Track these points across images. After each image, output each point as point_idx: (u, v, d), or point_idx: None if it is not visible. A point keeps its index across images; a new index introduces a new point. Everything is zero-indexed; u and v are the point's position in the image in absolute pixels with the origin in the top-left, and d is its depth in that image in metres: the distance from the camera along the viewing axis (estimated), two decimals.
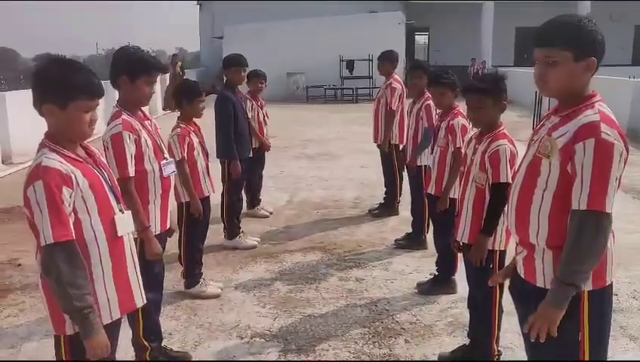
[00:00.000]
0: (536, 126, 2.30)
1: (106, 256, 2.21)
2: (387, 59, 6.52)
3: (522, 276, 2.25)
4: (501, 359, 3.36)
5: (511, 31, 25.86)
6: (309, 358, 3.56)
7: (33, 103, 2.16)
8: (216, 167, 5.10)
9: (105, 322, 2.21)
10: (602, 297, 2.11)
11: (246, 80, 6.02)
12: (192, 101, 4.25)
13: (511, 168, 3.09)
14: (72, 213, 2.11)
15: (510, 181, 3.06)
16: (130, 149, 3.00)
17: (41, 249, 2.07)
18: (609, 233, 2.01)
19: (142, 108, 3.21)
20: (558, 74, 2.06)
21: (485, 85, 3.26)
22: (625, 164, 2.02)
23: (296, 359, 3.55)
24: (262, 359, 3.57)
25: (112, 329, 2.32)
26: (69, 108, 2.13)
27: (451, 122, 4.26)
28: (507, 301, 2.58)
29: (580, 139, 1.97)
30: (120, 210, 2.30)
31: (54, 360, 2.28)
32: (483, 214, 3.18)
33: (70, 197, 2.09)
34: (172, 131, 4.26)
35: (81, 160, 2.20)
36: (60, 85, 2.12)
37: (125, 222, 2.32)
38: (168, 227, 3.35)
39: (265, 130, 6.59)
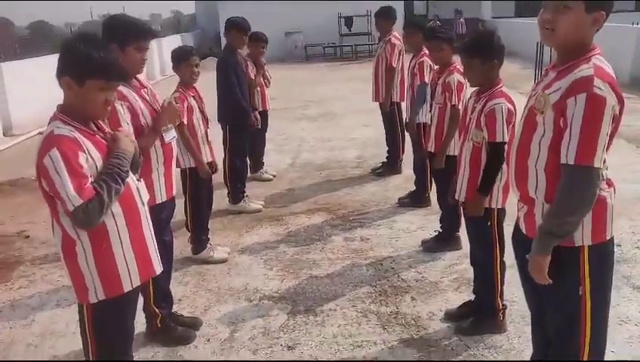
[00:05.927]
0: (538, 79, 2.28)
1: (122, 226, 2.25)
2: (384, 16, 6.42)
3: (524, 231, 2.28)
4: (506, 311, 3.40)
5: None
6: (317, 318, 3.62)
7: (56, 73, 2.18)
8: (216, 133, 5.08)
9: (126, 289, 2.28)
10: (602, 252, 2.13)
11: (246, 43, 5.93)
12: (180, 65, 4.21)
13: (508, 126, 3.07)
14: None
15: (506, 140, 3.07)
16: (123, 118, 2.92)
17: (69, 214, 2.07)
18: (597, 188, 2.00)
19: (137, 76, 3.17)
20: (568, 21, 2.01)
21: (469, 45, 3.21)
22: (620, 117, 2.02)
23: (304, 319, 3.61)
24: (271, 321, 3.63)
25: (133, 296, 2.39)
26: (86, 85, 2.14)
27: (447, 79, 4.20)
28: (510, 256, 2.60)
29: (571, 94, 1.97)
30: (137, 180, 2.35)
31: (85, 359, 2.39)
32: (480, 172, 3.18)
33: (86, 162, 2.10)
34: (170, 96, 4.21)
35: (92, 133, 2.21)
36: (81, 61, 2.13)
37: (142, 191, 2.37)
38: (173, 195, 3.35)
39: (266, 93, 6.53)
